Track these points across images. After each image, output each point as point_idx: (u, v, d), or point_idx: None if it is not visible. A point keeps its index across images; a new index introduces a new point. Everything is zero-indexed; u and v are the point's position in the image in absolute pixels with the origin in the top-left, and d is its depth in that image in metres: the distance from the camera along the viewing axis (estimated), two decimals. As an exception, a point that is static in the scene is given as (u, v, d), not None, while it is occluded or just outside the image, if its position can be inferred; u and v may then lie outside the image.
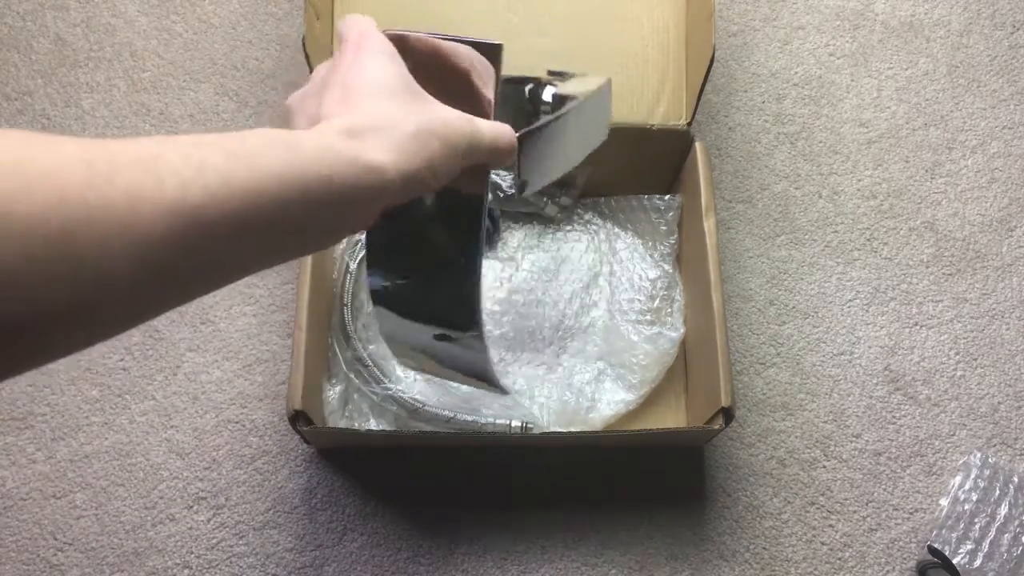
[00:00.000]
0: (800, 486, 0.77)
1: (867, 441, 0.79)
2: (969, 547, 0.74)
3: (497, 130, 0.39)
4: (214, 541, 0.74)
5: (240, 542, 0.74)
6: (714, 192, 0.75)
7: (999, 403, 0.81)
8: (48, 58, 0.89)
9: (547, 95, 0.52)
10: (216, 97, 0.89)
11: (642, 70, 0.78)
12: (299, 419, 0.65)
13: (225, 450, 0.76)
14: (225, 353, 0.80)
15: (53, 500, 0.74)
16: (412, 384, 0.75)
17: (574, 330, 0.79)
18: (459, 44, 0.41)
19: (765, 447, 0.78)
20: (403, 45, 0.40)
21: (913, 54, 0.94)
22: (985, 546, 0.74)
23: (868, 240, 0.86)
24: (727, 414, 0.66)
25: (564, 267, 0.82)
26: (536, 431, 0.73)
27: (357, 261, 0.78)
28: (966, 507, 0.76)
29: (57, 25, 0.90)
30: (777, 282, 0.84)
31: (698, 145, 0.76)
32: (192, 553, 0.73)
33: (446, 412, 0.73)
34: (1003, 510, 0.76)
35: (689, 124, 0.76)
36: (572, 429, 0.74)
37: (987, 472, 0.77)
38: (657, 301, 0.79)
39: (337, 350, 0.76)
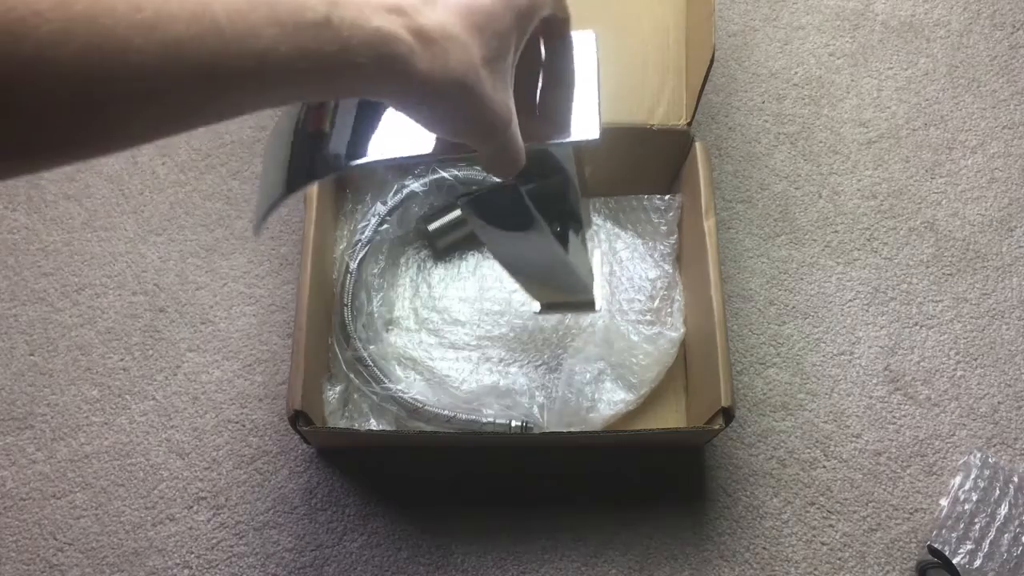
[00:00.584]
0: (800, 486, 0.77)
1: (867, 441, 0.79)
2: (969, 547, 0.74)
3: (515, 143, 0.37)
4: (214, 541, 0.74)
5: (240, 542, 0.74)
6: (714, 192, 0.75)
7: (999, 403, 0.81)
8: None
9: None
10: None
11: (642, 70, 0.78)
12: (299, 419, 0.65)
13: (225, 450, 0.76)
14: (225, 353, 0.80)
15: (53, 500, 0.75)
16: (412, 384, 0.75)
17: (574, 330, 0.79)
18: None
19: (765, 447, 0.78)
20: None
21: (913, 54, 0.94)
22: (985, 546, 0.74)
23: (868, 240, 0.86)
24: (727, 414, 0.66)
25: (564, 267, 0.82)
26: (536, 431, 0.73)
27: (357, 261, 0.78)
28: (966, 507, 0.76)
29: None
30: (777, 282, 0.84)
31: (698, 145, 0.76)
32: (192, 553, 0.73)
33: (446, 412, 0.73)
34: (1003, 510, 0.76)
35: (689, 124, 0.76)
36: (572, 429, 0.74)
37: (987, 472, 0.77)
38: (657, 301, 0.80)
39: (337, 350, 0.76)
